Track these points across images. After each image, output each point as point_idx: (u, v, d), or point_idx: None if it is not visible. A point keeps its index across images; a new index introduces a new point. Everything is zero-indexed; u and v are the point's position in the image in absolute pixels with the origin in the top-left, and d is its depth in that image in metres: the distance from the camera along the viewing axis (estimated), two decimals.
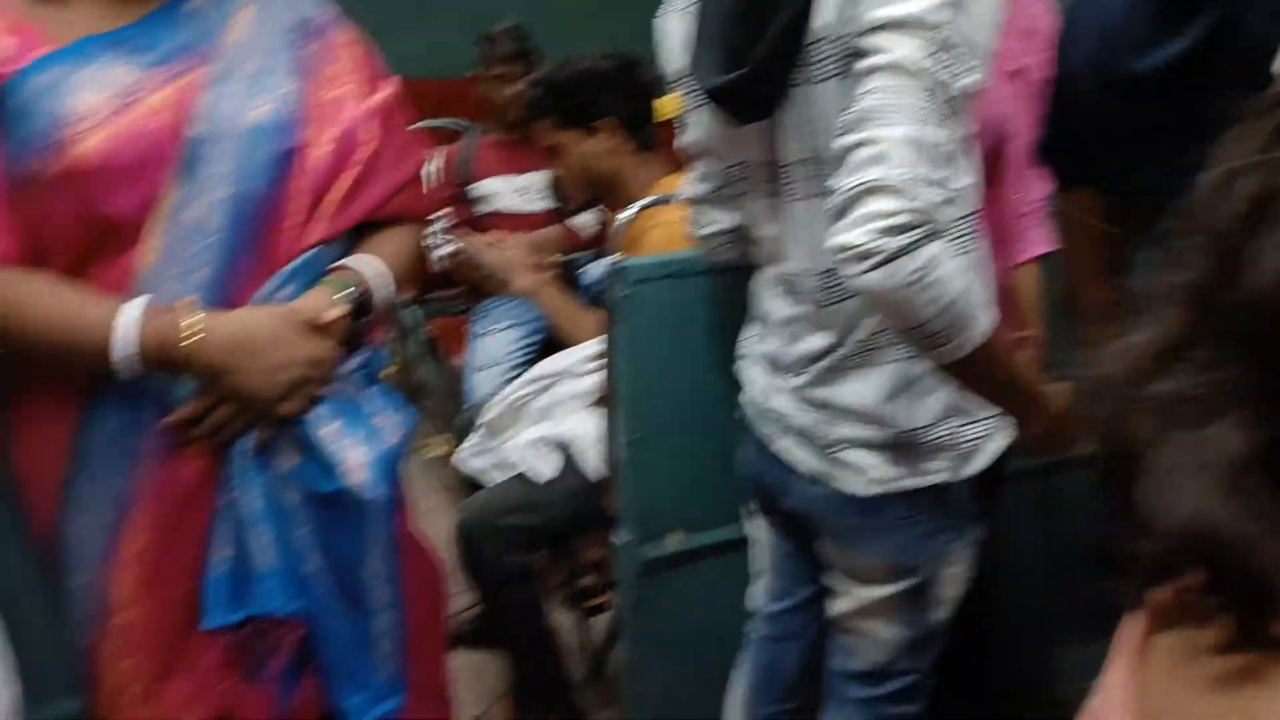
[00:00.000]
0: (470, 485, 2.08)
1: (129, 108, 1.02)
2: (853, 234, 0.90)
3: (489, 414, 2.02)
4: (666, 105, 1.99)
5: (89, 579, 1.10)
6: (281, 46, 1.13)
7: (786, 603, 1.37)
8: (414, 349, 3.05)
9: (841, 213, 0.92)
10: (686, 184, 1.35)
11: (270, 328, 1.06)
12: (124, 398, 1.06)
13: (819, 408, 1.15)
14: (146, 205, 1.04)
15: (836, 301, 1.10)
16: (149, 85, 1.04)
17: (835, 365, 1.13)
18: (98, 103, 1.01)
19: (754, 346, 1.27)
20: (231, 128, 1.06)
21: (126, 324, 1.00)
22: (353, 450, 1.12)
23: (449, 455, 2.27)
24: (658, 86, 1.97)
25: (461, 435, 2.16)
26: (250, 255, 1.09)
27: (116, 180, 1.02)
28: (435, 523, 1.74)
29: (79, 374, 1.06)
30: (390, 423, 1.18)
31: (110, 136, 1.01)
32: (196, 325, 1.02)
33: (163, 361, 1.02)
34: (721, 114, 1.12)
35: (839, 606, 1.24)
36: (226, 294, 1.07)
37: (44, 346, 1.03)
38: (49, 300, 1.02)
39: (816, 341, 1.14)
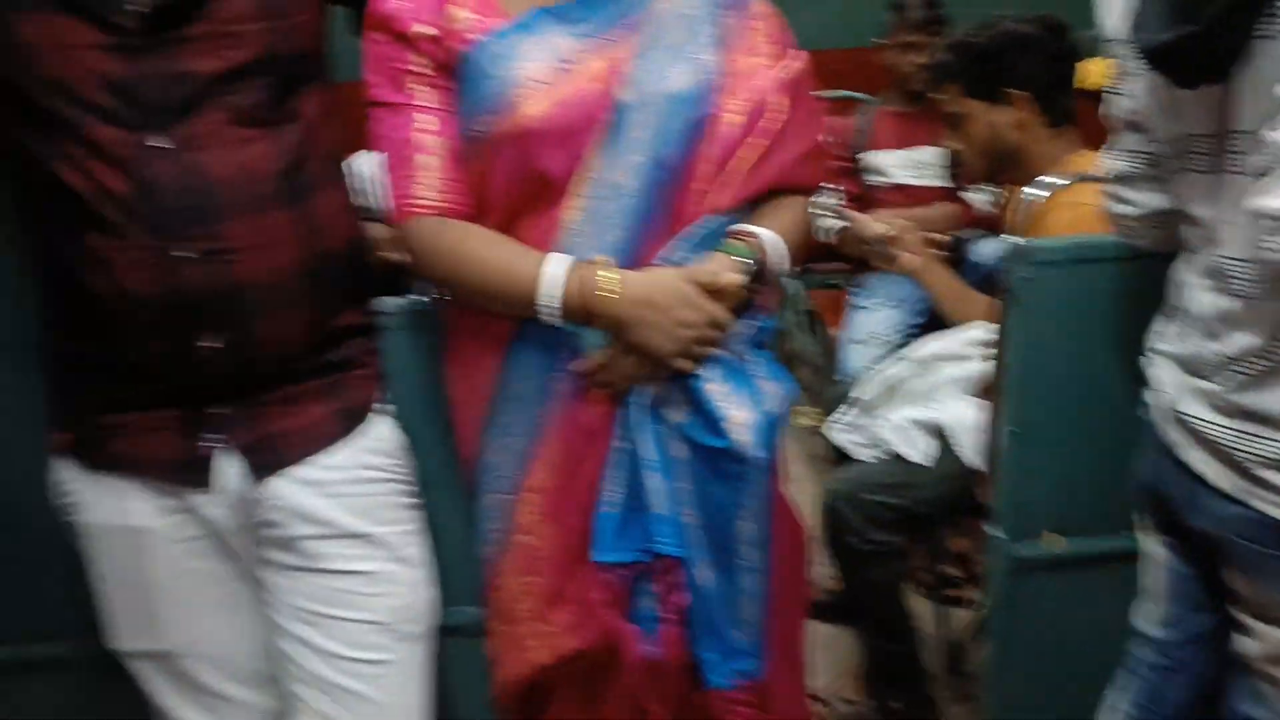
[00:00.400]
0: (837, 457, 2.08)
1: (568, 75, 1.12)
2: (1274, 197, 0.78)
3: (864, 390, 2.01)
4: (1090, 72, 1.84)
5: (499, 500, 1.22)
6: (704, 17, 1.18)
7: (1178, 632, 1.23)
8: (792, 318, 3.09)
9: (1267, 171, 0.80)
10: (1107, 160, 1.24)
11: (674, 288, 1.12)
12: (542, 341, 1.17)
13: (1244, 417, 1.02)
14: (574, 165, 1.13)
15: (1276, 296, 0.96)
16: (586, 54, 1.13)
17: (1270, 369, 0.99)
18: (541, 70, 1.12)
19: (1167, 342, 1.15)
20: (654, 95, 1.13)
21: (552, 276, 1.10)
22: (738, 411, 1.15)
23: (818, 425, 2.28)
24: (1080, 53, 1.83)
25: (832, 406, 2.16)
26: (658, 218, 1.15)
27: (552, 141, 1.12)
28: (799, 490, 1.76)
29: (507, 317, 1.18)
30: (773, 389, 1.21)
31: (551, 101, 1.11)
32: (612, 281, 1.10)
33: (579, 312, 1.11)
34: (1162, 78, 1.02)
35: (1247, 647, 1.10)
36: (635, 253, 1.15)
37: (482, 290, 1.15)
38: (489, 250, 1.15)
39: (1246, 340, 1.01)
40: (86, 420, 1.13)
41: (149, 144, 1.02)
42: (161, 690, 1.21)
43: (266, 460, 1.14)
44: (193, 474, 1.12)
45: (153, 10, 1.02)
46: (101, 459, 1.13)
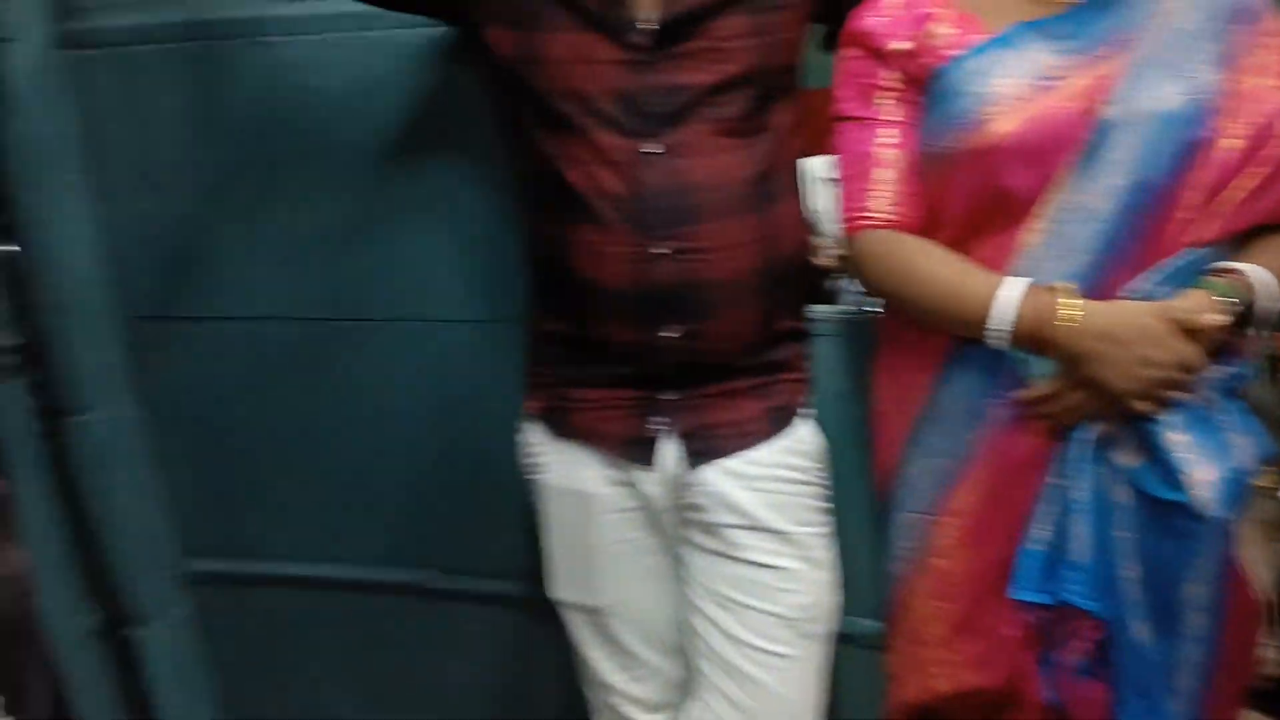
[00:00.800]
0: None
1: (1046, 92, 1.07)
2: None
3: None
4: None
5: (916, 519, 1.21)
6: (1206, 33, 1.08)
7: None
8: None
9: None
10: None
11: (1142, 323, 1.04)
12: (982, 363, 1.13)
13: None
14: (1042, 185, 1.08)
15: None
16: (1069, 71, 1.08)
17: None
18: (1017, 86, 1.08)
19: None
20: (1141, 114, 1.05)
21: (1006, 298, 1.06)
22: (1201, 464, 1.05)
23: (1275, 489, 2.01)
24: None
25: None
26: (1132, 245, 1.07)
27: (1021, 159, 1.08)
28: (1248, 558, 1.56)
29: (947, 335, 1.16)
30: (1244, 443, 1.08)
31: (1024, 118, 1.07)
32: (1072, 310, 1.04)
33: (1031, 339, 1.06)
34: None
35: None
36: (1100, 281, 1.07)
37: (928, 307, 1.14)
38: (939, 266, 1.13)
39: None
40: (554, 392, 1.27)
41: (643, 150, 1.13)
42: (586, 640, 1.33)
43: (701, 448, 1.21)
44: (638, 452, 1.22)
45: (660, 29, 1.12)
46: (563, 428, 1.26)
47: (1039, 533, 1.12)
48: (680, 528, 1.26)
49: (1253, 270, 1.06)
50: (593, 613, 1.31)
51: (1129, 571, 1.09)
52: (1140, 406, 1.05)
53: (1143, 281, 1.07)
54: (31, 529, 1.55)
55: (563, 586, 1.33)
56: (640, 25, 1.12)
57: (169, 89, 1.48)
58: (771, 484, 1.22)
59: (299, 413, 1.59)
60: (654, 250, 1.13)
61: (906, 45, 1.14)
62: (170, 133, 1.50)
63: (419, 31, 1.37)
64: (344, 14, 1.39)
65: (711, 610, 1.24)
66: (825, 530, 1.28)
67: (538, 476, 1.31)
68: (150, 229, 1.56)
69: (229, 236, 1.53)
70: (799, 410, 1.26)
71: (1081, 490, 1.10)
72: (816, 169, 1.36)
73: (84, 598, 1.67)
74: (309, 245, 1.50)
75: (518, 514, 1.41)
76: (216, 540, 1.72)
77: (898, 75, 1.15)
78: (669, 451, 1.21)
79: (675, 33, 1.12)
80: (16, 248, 1.52)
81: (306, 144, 1.46)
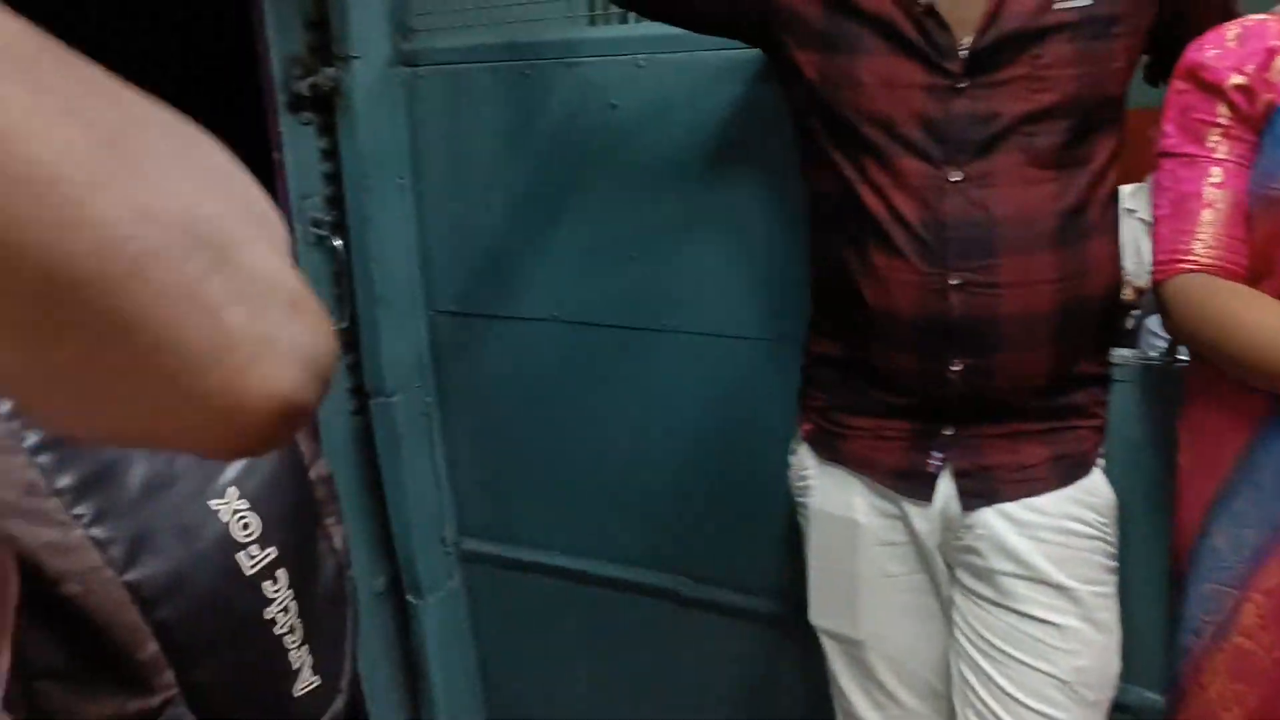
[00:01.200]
0: None
1: None
2: None
3: None
4: None
5: (1218, 591, 1.11)
6: None
7: None
8: None
9: None
10: None
11: None
12: None
13: None
14: None
15: None
16: None
17: None
18: None
19: None
20: None
21: None
22: None
23: None
24: None
25: None
26: None
27: None
28: None
29: (1268, 394, 1.06)
30: None
31: None
32: None
33: None
34: None
35: None
36: None
37: (1250, 360, 1.03)
38: (1265, 316, 1.02)
39: None
40: (827, 416, 1.26)
41: (946, 178, 1.10)
42: (841, 671, 1.31)
43: (976, 489, 1.17)
44: (913, 485, 1.19)
45: (971, 55, 1.08)
46: (834, 453, 1.25)
47: None
48: (951, 569, 1.22)
49: None
50: (850, 644, 1.29)
51: None
52: None
53: None
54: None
55: (821, 613, 1.31)
56: (958, 52, 1.09)
57: (487, 104, 1.60)
58: (1055, 535, 1.16)
59: (576, 411, 1.67)
60: (947, 281, 1.10)
61: (1244, 80, 1.05)
62: (485, 144, 1.62)
63: (720, 54, 1.41)
64: (648, 36, 1.45)
65: (979, 660, 1.19)
66: (1111, 590, 1.19)
67: (805, 499, 1.30)
68: (459, 231, 1.69)
69: (528, 242, 1.63)
70: (1091, 460, 1.19)
71: None
72: (1122, 198, 1.28)
73: (374, 563, 1.84)
74: (602, 254, 1.57)
75: (778, 533, 1.41)
76: (489, 523, 1.84)
77: (1232, 112, 1.06)
78: (944, 488, 1.18)
79: (991, 60, 1.08)
80: (340, 242, 1.69)
81: (607, 159, 1.53)
